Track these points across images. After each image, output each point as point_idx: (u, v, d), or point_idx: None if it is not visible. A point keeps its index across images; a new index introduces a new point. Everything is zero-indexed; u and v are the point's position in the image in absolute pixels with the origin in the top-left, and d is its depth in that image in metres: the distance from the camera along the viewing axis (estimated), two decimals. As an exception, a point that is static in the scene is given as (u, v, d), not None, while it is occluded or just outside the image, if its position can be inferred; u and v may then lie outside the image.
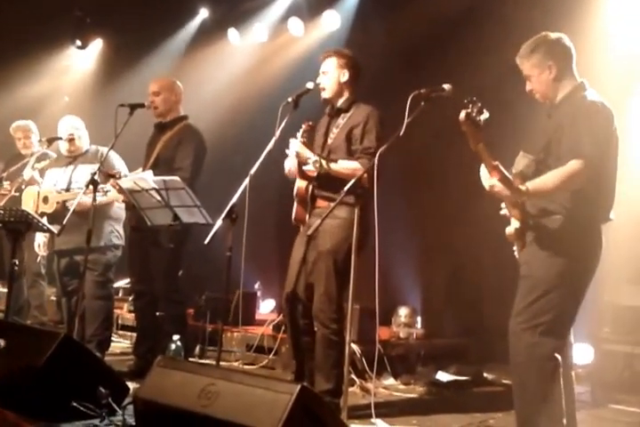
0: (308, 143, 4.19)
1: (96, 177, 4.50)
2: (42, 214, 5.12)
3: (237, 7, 7.84)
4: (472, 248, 6.17)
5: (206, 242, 3.67)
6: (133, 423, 3.32)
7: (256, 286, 7.03)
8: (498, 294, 5.42)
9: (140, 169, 5.01)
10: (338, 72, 4.25)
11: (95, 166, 4.76)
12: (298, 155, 4.13)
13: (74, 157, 5.41)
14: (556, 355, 3.22)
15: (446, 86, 3.60)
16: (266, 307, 7.16)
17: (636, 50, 5.21)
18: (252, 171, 3.80)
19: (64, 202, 5.08)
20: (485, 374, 5.53)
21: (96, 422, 3.45)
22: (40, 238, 5.72)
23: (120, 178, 4.75)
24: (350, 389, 4.33)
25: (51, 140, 5.51)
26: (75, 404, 3.43)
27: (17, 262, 4.89)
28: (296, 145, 4.12)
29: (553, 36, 3.37)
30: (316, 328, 4.16)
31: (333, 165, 4.09)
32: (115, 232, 5.31)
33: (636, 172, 4.83)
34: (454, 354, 5.89)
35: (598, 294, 4.88)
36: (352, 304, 3.64)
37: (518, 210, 3.34)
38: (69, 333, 4.60)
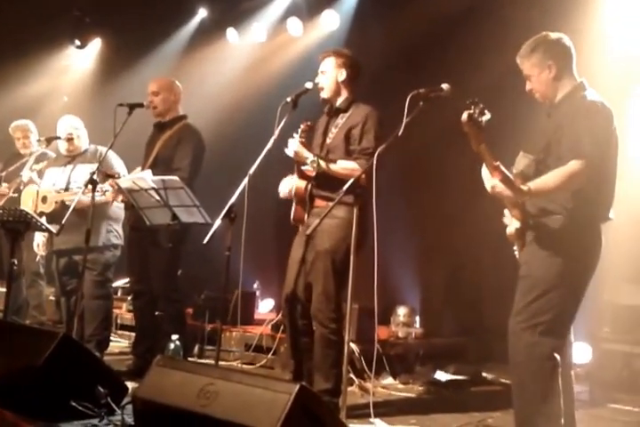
0: (307, 143, 4.19)
1: (95, 177, 4.51)
2: (40, 214, 5.12)
3: (236, 7, 7.84)
4: (471, 248, 6.17)
5: (205, 242, 3.67)
6: (132, 423, 3.32)
7: (255, 285, 7.04)
8: (497, 294, 5.42)
9: (139, 168, 5.01)
10: (336, 71, 4.25)
11: (94, 166, 4.76)
12: (296, 154, 4.14)
13: (73, 157, 5.41)
14: (556, 355, 3.23)
15: (445, 86, 3.61)
16: (265, 306, 7.16)
17: (634, 51, 5.22)
18: (251, 171, 3.81)
19: (63, 201, 5.08)
20: (484, 374, 5.54)
21: (95, 421, 3.44)
22: (39, 238, 5.73)
23: (119, 178, 4.75)
24: (349, 388, 4.33)
25: (49, 140, 5.51)
26: (74, 403, 3.43)
27: (16, 262, 4.91)
28: (295, 145, 4.12)
29: (553, 35, 3.38)
30: (314, 328, 4.16)
31: (331, 165, 4.10)
32: (114, 232, 5.32)
33: (635, 171, 4.84)
34: (453, 354, 5.89)
35: (597, 294, 4.88)
36: (351, 304, 3.64)
37: (518, 210, 3.35)
38: (68, 332, 4.60)
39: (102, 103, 7.54)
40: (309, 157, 4.10)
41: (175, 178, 4.46)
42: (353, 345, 4.91)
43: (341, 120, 4.25)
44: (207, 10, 8.19)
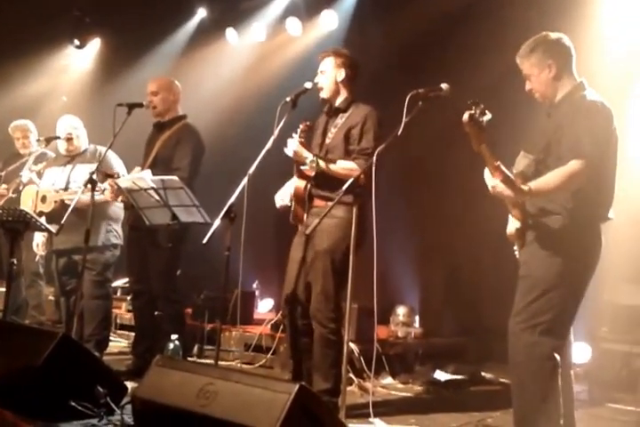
0: (306, 143, 4.19)
1: (94, 177, 4.51)
2: (40, 214, 5.12)
3: (235, 7, 7.85)
4: (470, 248, 6.17)
5: (204, 241, 3.67)
6: (132, 423, 3.33)
7: (254, 285, 7.04)
8: (496, 294, 5.42)
9: (138, 168, 5.01)
10: (335, 71, 4.25)
11: (93, 166, 4.76)
12: (295, 154, 4.14)
13: (72, 157, 5.41)
14: (555, 355, 3.23)
15: (444, 86, 3.61)
16: (264, 306, 7.16)
17: (633, 51, 5.22)
18: (251, 170, 3.80)
19: (62, 201, 5.08)
20: (483, 374, 5.55)
21: (94, 421, 3.45)
22: (38, 238, 5.74)
23: (118, 177, 4.75)
24: (348, 388, 4.32)
25: (49, 140, 5.50)
26: (73, 403, 3.43)
27: (15, 262, 4.90)
28: (294, 144, 4.13)
29: (553, 35, 3.38)
30: (314, 328, 4.16)
31: (330, 165, 4.11)
32: (113, 232, 5.32)
33: (635, 171, 4.84)
34: (452, 353, 5.90)
35: (597, 293, 4.88)
36: (350, 303, 3.64)
37: (518, 210, 3.35)
38: (68, 332, 4.60)
39: (102, 103, 7.54)
40: (309, 156, 4.11)
41: (174, 178, 4.46)
42: (352, 345, 4.91)
43: (341, 120, 4.25)
44: (206, 10, 8.19)
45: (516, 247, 3.48)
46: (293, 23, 7.47)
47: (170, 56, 8.23)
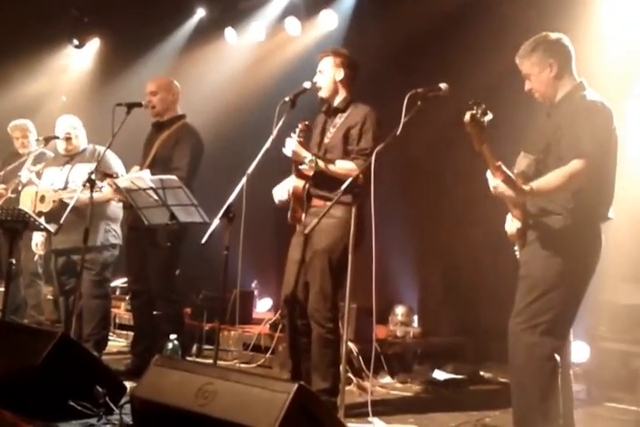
0: (305, 142, 4.19)
1: (93, 176, 4.51)
2: (39, 214, 5.12)
3: (234, 7, 7.85)
4: (469, 247, 6.18)
5: (203, 241, 3.67)
6: (131, 422, 3.33)
7: (253, 284, 7.03)
8: (495, 293, 5.43)
9: (137, 167, 5.01)
10: (334, 71, 4.25)
11: (92, 166, 4.76)
12: (294, 154, 4.14)
13: (71, 157, 5.41)
14: (555, 355, 3.23)
15: (443, 86, 3.61)
16: (263, 306, 7.16)
17: (633, 51, 5.22)
18: (250, 170, 3.80)
19: (61, 200, 5.08)
20: (482, 373, 5.56)
21: (93, 421, 3.45)
22: (37, 237, 5.74)
23: (117, 177, 4.75)
24: (347, 387, 4.33)
25: (48, 140, 5.50)
26: (72, 403, 3.43)
27: (14, 262, 4.90)
28: (293, 144, 4.13)
29: (553, 35, 3.39)
30: (311, 327, 4.16)
31: (329, 165, 4.11)
32: (112, 231, 5.32)
33: (635, 171, 4.84)
34: (451, 353, 5.90)
35: (596, 293, 4.88)
36: (349, 303, 3.64)
37: (519, 210, 3.36)
38: (66, 332, 4.60)
39: (101, 103, 7.53)
40: (308, 156, 4.11)
41: (173, 177, 4.45)
42: (351, 344, 4.92)
43: (339, 120, 4.25)
44: (205, 9, 8.19)
45: (516, 247, 3.49)
46: (292, 23, 7.47)
47: (169, 56, 8.23)
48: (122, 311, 6.54)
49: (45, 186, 5.37)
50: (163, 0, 8.07)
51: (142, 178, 4.51)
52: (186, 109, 5.19)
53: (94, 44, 9.05)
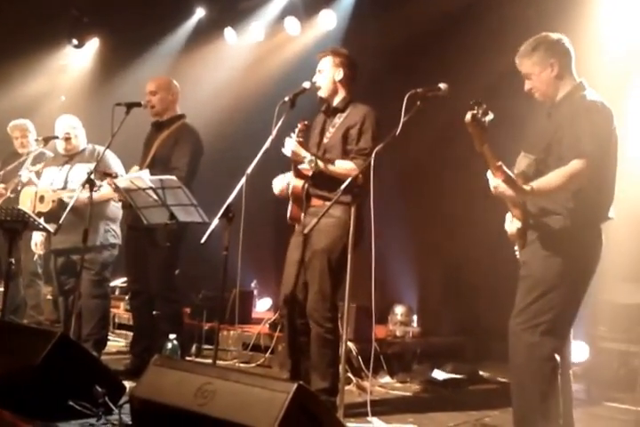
0: (304, 142, 4.19)
1: (92, 176, 4.51)
2: (38, 214, 5.12)
3: (234, 6, 7.85)
4: (469, 247, 6.18)
5: (203, 241, 3.67)
6: (130, 422, 3.32)
7: (252, 284, 7.04)
8: (494, 293, 5.44)
9: (137, 167, 5.01)
10: (333, 71, 4.25)
11: (92, 165, 4.76)
12: (294, 154, 4.14)
13: (70, 156, 5.41)
14: (556, 355, 3.23)
15: (442, 85, 3.61)
16: (262, 305, 7.17)
17: (632, 51, 5.22)
18: (249, 170, 3.80)
19: (60, 200, 5.08)
20: (481, 373, 5.55)
21: (92, 421, 3.45)
22: (37, 237, 5.73)
23: (117, 177, 4.75)
24: (346, 387, 4.33)
25: (47, 139, 5.50)
26: (71, 403, 3.43)
27: (13, 262, 4.90)
28: (292, 144, 4.12)
29: (554, 36, 3.39)
30: (310, 327, 4.16)
31: (329, 165, 4.11)
32: (111, 231, 5.31)
33: (635, 171, 4.84)
34: (450, 352, 5.91)
35: (595, 292, 4.88)
36: (348, 303, 3.64)
37: (520, 210, 3.36)
38: (66, 332, 4.60)
39: (100, 103, 7.53)
40: (307, 156, 4.10)
41: (173, 177, 4.45)
42: (350, 344, 4.92)
43: (339, 120, 4.25)
44: (205, 9, 8.20)
45: (516, 247, 3.48)
46: (292, 23, 7.47)
47: (168, 56, 8.23)
48: (121, 311, 6.54)
49: (45, 186, 5.37)
50: (162, 0, 8.07)
51: (141, 178, 4.51)
52: (185, 109, 5.19)
53: (94, 44, 9.07)
